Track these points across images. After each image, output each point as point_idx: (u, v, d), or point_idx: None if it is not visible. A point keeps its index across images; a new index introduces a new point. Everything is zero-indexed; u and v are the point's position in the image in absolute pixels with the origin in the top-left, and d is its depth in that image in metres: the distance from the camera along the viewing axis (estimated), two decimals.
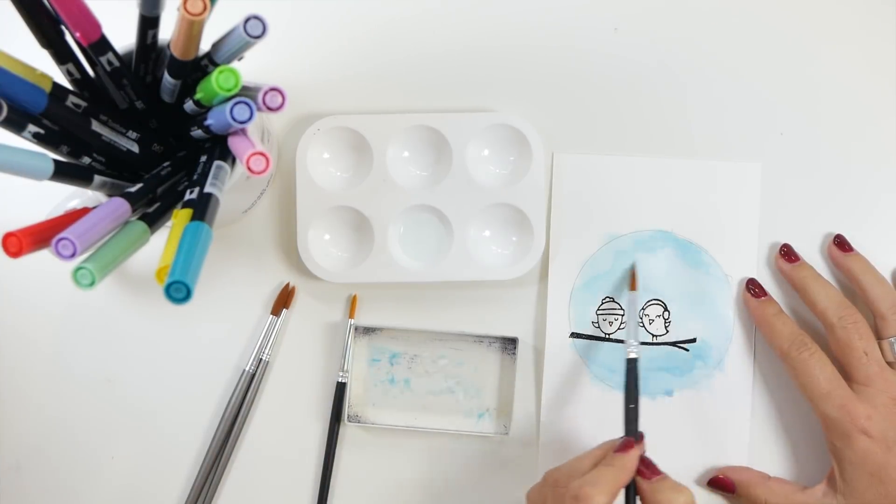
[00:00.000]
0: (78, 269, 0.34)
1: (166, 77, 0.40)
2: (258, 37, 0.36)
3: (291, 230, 0.53)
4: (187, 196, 0.38)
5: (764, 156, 0.53)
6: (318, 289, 0.53)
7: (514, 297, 0.53)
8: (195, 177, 0.40)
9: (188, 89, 0.41)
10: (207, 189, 0.38)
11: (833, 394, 0.47)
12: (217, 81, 0.36)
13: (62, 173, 0.38)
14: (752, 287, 0.52)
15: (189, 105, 0.41)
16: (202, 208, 0.37)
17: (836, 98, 0.53)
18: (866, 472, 0.46)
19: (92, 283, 0.34)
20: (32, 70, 0.39)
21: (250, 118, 0.36)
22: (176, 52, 0.38)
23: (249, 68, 0.39)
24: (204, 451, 0.52)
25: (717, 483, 0.51)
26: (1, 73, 0.35)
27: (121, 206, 0.38)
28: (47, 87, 0.39)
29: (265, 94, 0.37)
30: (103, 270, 0.34)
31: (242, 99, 0.36)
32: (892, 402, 0.47)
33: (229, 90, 0.36)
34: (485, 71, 0.54)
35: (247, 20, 0.36)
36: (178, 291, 0.33)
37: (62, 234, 0.34)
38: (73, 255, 0.34)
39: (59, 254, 0.34)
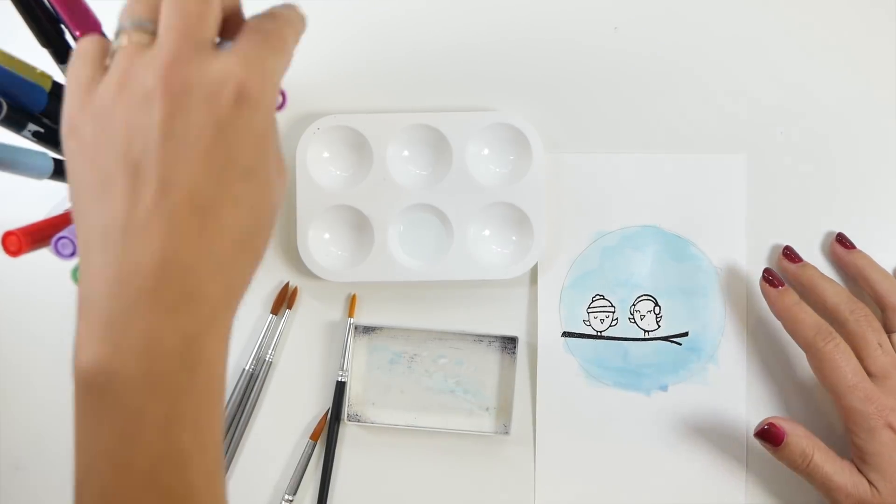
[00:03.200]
0: (77, 267, 0.34)
1: None
2: None
3: (291, 229, 0.53)
4: None
5: (758, 151, 0.54)
6: (318, 288, 0.53)
7: (514, 296, 0.53)
8: None
9: None
10: None
11: (859, 386, 0.47)
12: None
13: (62, 172, 0.38)
14: (770, 276, 0.51)
15: None
16: None
17: (829, 93, 0.54)
18: (893, 460, 0.46)
19: None
20: (33, 69, 0.39)
21: None
22: None
23: None
24: None
25: (766, 434, 0.48)
26: (1, 72, 0.35)
27: None
28: (47, 86, 0.39)
29: None
30: None
31: None
32: None
33: None
34: (485, 70, 0.54)
35: None
36: None
37: (62, 233, 0.34)
38: (72, 254, 0.34)
39: (58, 252, 0.34)
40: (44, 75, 0.39)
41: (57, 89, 0.39)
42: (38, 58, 0.39)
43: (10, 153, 0.35)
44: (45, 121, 0.38)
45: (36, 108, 0.37)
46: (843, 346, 0.48)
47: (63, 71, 0.40)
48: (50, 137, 0.38)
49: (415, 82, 0.54)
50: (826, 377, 0.48)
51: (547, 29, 0.54)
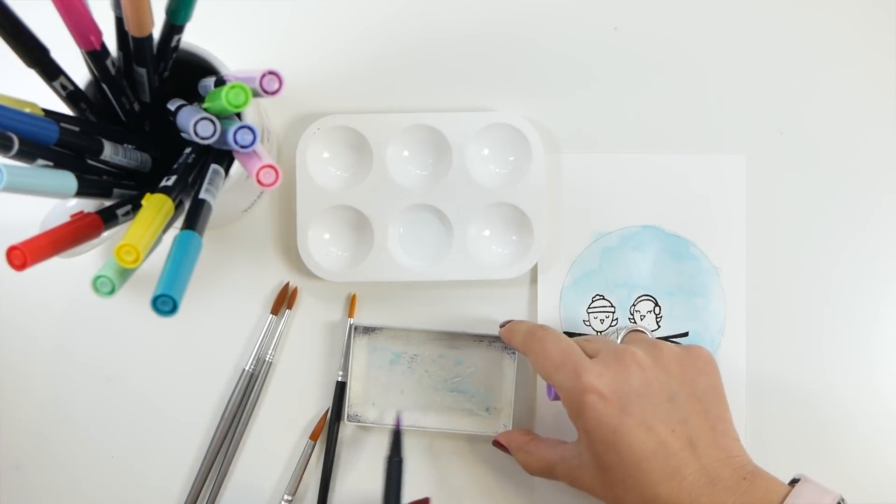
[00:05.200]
0: (97, 277, 0.33)
1: (137, 70, 0.40)
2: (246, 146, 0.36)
3: (291, 229, 0.53)
4: (163, 182, 0.38)
5: (758, 151, 0.54)
6: (318, 288, 0.53)
7: (514, 296, 0.53)
8: (175, 165, 0.40)
9: (175, 91, 0.41)
10: (202, 195, 0.38)
11: (567, 361, 0.44)
12: (227, 98, 0.34)
13: (84, 190, 0.37)
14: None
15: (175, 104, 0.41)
16: (194, 216, 0.36)
17: (828, 93, 0.54)
18: (601, 439, 0.42)
19: (112, 291, 0.34)
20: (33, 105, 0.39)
21: (252, 143, 0.36)
22: (132, 29, 0.37)
23: (250, 68, 0.39)
24: (204, 451, 0.52)
25: (498, 444, 0.50)
26: (14, 114, 0.34)
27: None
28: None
29: (263, 77, 0.36)
30: (122, 277, 0.34)
31: (246, 124, 0.36)
32: (616, 357, 0.43)
33: (238, 106, 0.35)
34: (484, 70, 0.54)
35: (238, 128, 0.35)
36: (165, 304, 0.32)
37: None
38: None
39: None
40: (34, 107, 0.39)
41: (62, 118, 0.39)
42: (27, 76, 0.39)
43: (35, 177, 0.34)
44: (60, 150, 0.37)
45: (48, 141, 0.36)
46: (555, 332, 0.46)
47: (53, 88, 0.40)
48: (67, 164, 0.38)
49: (415, 82, 0.54)
50: (538, 365, 0.45)
51: (547, 29, 0.54)
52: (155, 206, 0.36)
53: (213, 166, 0.39)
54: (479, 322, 0.53)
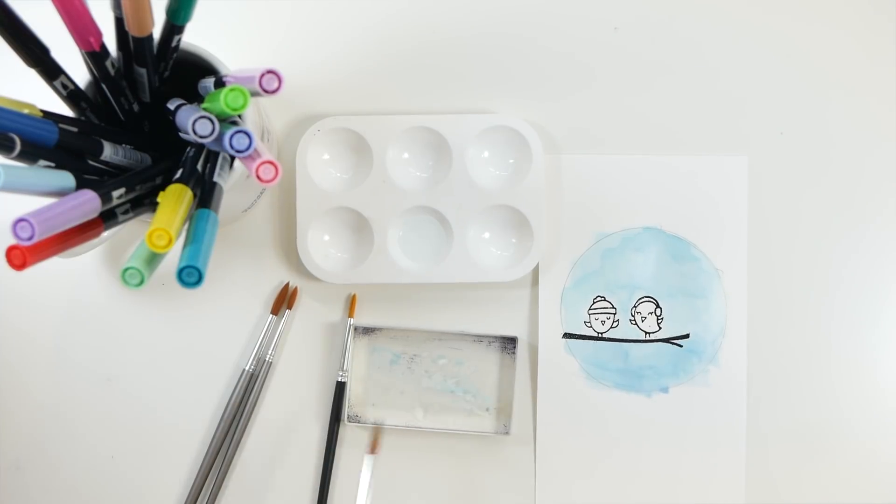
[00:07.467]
0: (126, 269, 0.34)
1: (137, 70, 0.40)
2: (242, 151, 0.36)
3: (291, 230, 0.53)
4: (175, 177, 0.39)
5: (759, 153, 0.54)
6: (318, 289, 0.53)
7: (515, 298, 0.53)
8: (182, 159, 0.40)
9: (175, 91, 0.41)
10: (215, 179, 0.39)
11: None
12: (226, 101, 0.34)
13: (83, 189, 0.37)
14: None
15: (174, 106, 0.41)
16: (208, 197, 0.37)
17: (830, 94, 0.54)
18: None
19: (141, 283, 0.34)
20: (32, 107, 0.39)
21: (248, 149, 0.36)
22: (132, 29, 0.37)
23: (250, 67, 0.39)
24: (204, 451, 0.52)
25: None
26: (15, 116, 0.34)
27: (91, 198, 0.36)
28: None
29: (262, 76, 0.36)
30: (150, 267, 0.34)
31: (242, 129, 0.36)
32: None
33: (236, 110, 0.35)
34: (484, 72, 0.54)
35: (234, 133, 0.35)
36: (191, 276, 0.33)
37: (22, 217, 0.32)
38: (30, 238, 0.32)
39: (17, 236, 0.32)
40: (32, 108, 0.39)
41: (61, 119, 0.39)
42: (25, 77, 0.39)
43: (34, 177, 0.34)
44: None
45: (48, 142, 0.36)
46: None
47: (53, 88, 0.40)
48: (68, 165, 0.38)
49: (415, 84, 0.54)
50: None
51: (547, 30, 0.54)
52: (174, 194, 0.36)
53: (222, 154, 0.40)
54: (479, 323, 0.53)
